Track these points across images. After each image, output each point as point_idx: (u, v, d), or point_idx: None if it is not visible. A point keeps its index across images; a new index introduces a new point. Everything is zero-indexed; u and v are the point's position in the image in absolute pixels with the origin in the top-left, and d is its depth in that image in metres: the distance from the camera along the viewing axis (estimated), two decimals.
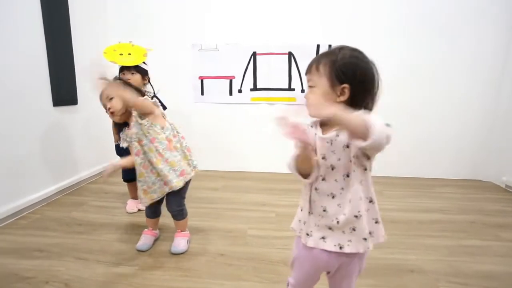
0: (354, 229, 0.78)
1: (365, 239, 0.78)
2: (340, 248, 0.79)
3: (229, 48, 2.93)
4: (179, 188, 1.51)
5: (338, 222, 0.78)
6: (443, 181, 2.90)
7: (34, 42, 2.12)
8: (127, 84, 1.56)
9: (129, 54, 1.94)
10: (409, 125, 2.93)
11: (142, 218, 1.92)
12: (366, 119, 0.63)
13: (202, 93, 3.06)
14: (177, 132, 1.57)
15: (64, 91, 2.39)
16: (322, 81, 0.76)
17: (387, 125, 0.65)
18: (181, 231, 1.67)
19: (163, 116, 1.53)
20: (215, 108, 3.07)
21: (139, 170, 1.51)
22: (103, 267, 1.47)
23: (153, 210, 1.65)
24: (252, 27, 2.88)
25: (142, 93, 1.52)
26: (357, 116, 0.64)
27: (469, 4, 2.65)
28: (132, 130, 1.46)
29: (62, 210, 2.11)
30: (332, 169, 0.79)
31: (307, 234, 0.84)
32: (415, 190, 2.67)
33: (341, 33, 2.80)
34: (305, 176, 0.80)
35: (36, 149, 2.16)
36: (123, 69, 1.95)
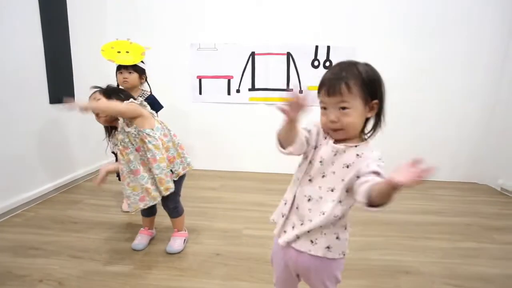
0: (308, 231, 0.80)
1: (311, 241, 0.80)
2: (288, 242, 0.84)
3: (227, 48, 2.93)
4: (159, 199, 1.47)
5: (301, 224, 0.81)
6: (440, 184, 2.91)
7: (31, 40, 2.11)
8: (114, 90, 1.52)
9: (127, 52, 1.94)
10: (405, 127, 2.93)
11: (138, 217, 1.90)
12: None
13: (200, 93, 3.05)
14: (168, 130, 1.53)
15: (61, 89, 2.37)
16: (357, 102, 0.73)
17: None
18: (178, 231, 1.66)
19: (152, 116, 1.48)
20: (213, 108, 3.07)
21: (122, 177, 1.47)
22: (98, 265, 1.46)
23: (147, 209, 1.61)
24: (251, 27, 2.88)
25: (129, 97, 1.46)
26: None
27: (466, 4, 2.66)
28: (119, 137, 1.42)
29: (58, 208, 2.10)
30: (323, 176, 0.79)
31: (285, 232, 0.86)
32: (412, 192, 2.66)
33: (340, 33, 2.81)
34: (284, 146, 0.78)
35: (32, 147, 2.15)
36: (120, 67, 1.94)
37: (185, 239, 1.66)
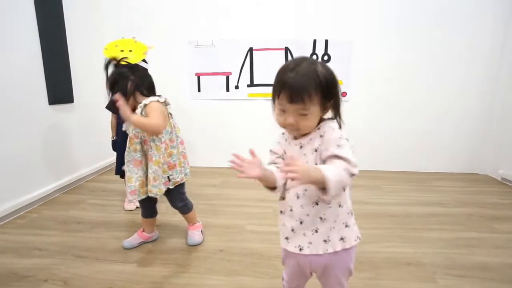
0: (316, 231, 0.80)
1: (325, 241, 0.80)
2: (300, 250, 0.81)
3: (225, 44, 2.92)
4: (156, 195, 1.46)
5: (301, 222, 0.81)
6: (441, 175, 2.92)
7: (28, 41, 2.10)
8: (137, 86, 1.44)
9: (130, 51, 1.92)
10: (406, 120, 2.93)
11: (140, 216, 1.92)
12: (323, 176, 0.64)
13: (199, 90, 3.05)
14: (176, 136, 1.51)
15: (59, 90, 2.37)
16: (316, 108, 0.75)
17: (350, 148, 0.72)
18: (193, 224, 1.69)
19: (170, 117, 1.47)
20: (212, 105, 3.07)
21: (130, 147, 1.43)
22: (102, 264, 1.47)
23: (148, 211, 1.62)
24: (248, 22, 2.86)
25: (152, 89, 1.48)
26: (316, 171, 0.65)
27: None
28: (132, 125, 1.41)
29: (60, 209, 2.11)
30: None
31: (287, 239, 0.85)
32: (413, 184, 2.68)
33: (338, 27, 2.79)
34: (273, 189, 0.84)
35: (33, 148, 2.15)
36: None
37: (202, 230, 1.71)
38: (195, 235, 1.67)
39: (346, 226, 0.82)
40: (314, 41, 2.82)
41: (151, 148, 1.41)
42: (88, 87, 2.70)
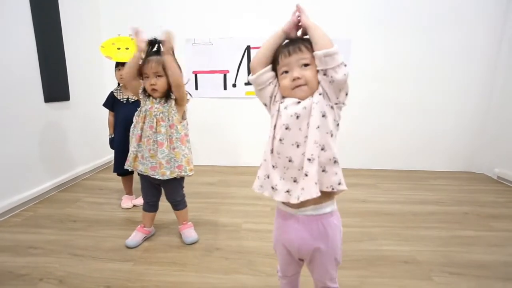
0: (306, 175, 0.77)
1: (316, 183, 0.76)
2: (297, 198, 0.78)
3: (223, 42, 2.91)
4: (167, 178, 1.48)
5: (305, 173, 0.77)
6: (437, 174, 2.93)
7: (24, 38, 2.08)
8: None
9: (127, 48, 1.91)
10: (403, 118, 2.94)
11: (137, 214, 1.91)
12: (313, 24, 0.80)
13: (196, 88, 3.04)
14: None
15: (55, 87, 2.35)
16: (313, 60, 0.79)
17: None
18: (185, 223, 1.69)
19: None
20: (209, 103, 3.06)
21: (143, 136, 1.48)
22: (98, 263, 1.47)
23: (151, 204, 1.65)
24: (246, 20, 2.85)
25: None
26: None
27: None
28: (159, 108, 1.46)
29: (56, 207, 2.09)
30: (297, 117, 0.79)
31: (272, 188, 0.83)
32: (410, 182, 2.69)
33: (335, 26, 2.78)
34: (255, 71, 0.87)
35: (29, 146, 2.13)
36: (118, 64, 1.93)
37: (193, 228, 1.72)
38: (191, 233, 1.67)
39: (335, 162, 0.78)
40: None
41: (174, 132, 1.48)
42: (84, 85, 2.68)
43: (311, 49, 0.79)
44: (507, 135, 2.69)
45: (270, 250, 1.56)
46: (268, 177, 0.84)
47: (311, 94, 0.79)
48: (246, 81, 2.98)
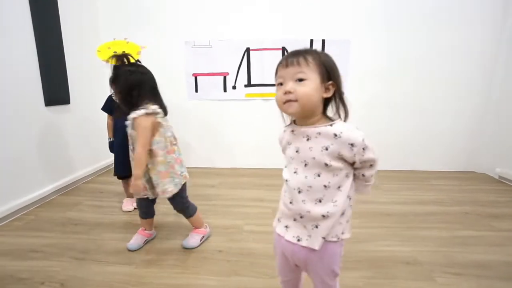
0: (317, 227, 0.79)
1: (323, 238, 0.79)
2: (298, 240, 0.82)
3: (222, 45, 2.91)
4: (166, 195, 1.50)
5: (301, 217, 0.81)
6: (438, 174, 2.93)
7: (24, 41, 2.09)
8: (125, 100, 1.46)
9: (123, 52, 1.92)
10: (403, 119, 2.95)
11: (138, 217, 1.91)
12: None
13: (196, 90, 3.04)
14: (170, 144, 1.47)
15: (56, 91, 2.36)
16: (314, 75, 0.74)
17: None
18: (197, 228, 1.68)
19: (159, 126, 1.42)
20: (209, 105, 3.06)
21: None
22: (99, 266, 1.47)
23: (144, 211, 1.63)
24: (245, 22, 2.86)
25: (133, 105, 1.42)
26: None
27: None
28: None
29: (57, 211, 2.09)
30: (305, 165, 0.79)
31: (278, 220, 0.89)
32: (411, 183, 2.69)
33: (335, 26, 2.80)
34: None
35: (29, 150, 2.14)
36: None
37: (203, 236, 1.68)
38: (192, 238, 1.65)
39: (347, 221, 0.82)
40: (311, 40, 2.82)
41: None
42: (84, 88, 2.69)
43: (312, 63, 0.74)
44: (508, 134, 2.69)
45: (272, 251, 1.56)
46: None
47: (301, 110, 0.76)
48: (246, 83, 2.99)
